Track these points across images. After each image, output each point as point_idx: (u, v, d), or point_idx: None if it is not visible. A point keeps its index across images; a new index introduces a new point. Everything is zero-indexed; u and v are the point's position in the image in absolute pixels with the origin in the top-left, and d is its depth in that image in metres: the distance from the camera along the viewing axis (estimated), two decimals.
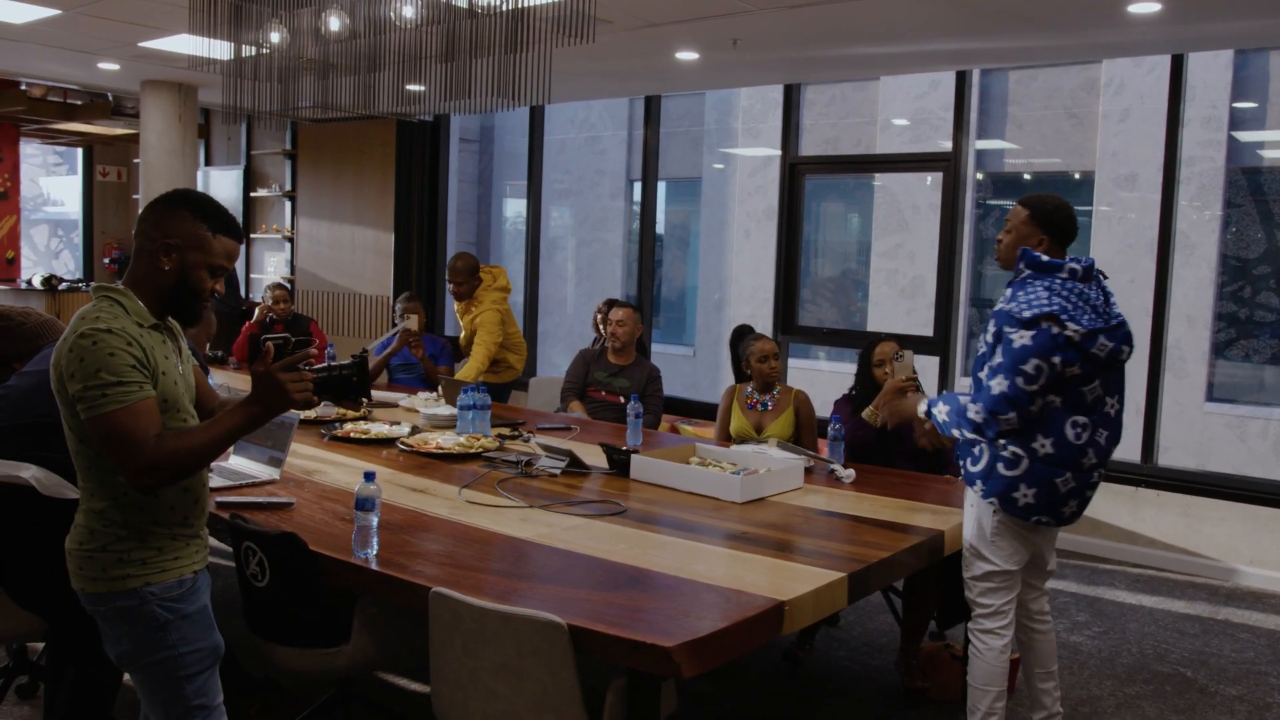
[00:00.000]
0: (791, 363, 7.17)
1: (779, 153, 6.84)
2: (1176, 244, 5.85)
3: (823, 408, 4.45)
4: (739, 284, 11.29)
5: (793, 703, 3.67)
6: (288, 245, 9.06)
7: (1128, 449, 6.30)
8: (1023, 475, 2.89)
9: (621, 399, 4.96)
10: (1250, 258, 8.60)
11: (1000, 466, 2.92)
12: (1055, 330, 2.80)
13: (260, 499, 3.08)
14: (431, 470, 3.65)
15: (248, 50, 4.65)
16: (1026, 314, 2.83)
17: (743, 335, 4.66)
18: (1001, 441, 2.90)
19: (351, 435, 4.11)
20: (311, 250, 8.85)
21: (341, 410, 4.55)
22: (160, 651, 2.09)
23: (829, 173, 9.03)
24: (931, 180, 8.94)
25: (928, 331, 6.33)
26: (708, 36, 5.24)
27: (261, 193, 9.19)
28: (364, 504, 2.59)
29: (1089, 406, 2.90)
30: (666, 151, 11.30)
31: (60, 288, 9.53)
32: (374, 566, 2.55)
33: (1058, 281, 2.89)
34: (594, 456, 3.80)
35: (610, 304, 5.59)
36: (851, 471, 3.70)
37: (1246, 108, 8.58)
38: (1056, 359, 2.80)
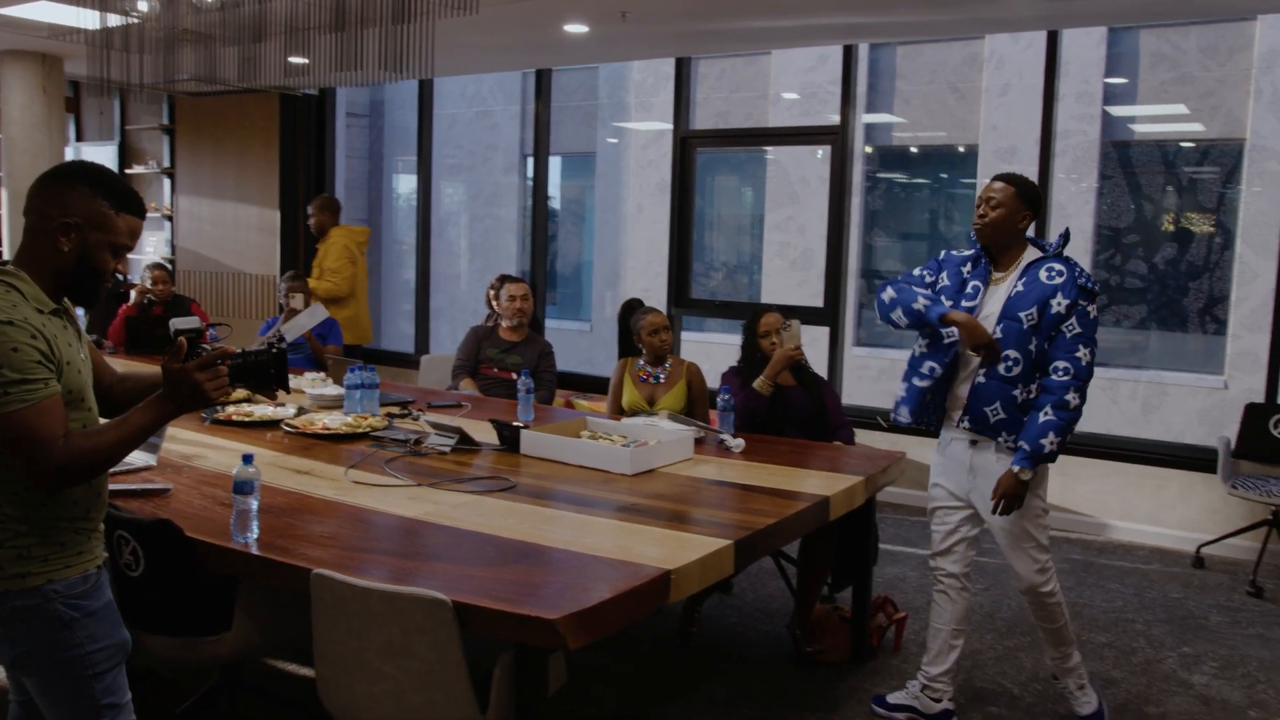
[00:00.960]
0: (685, 335, 7.23)
1: (671, 127, 6.85)
2: (1053, 214, 6.07)
3: (717, 380, 4.49)
4: (634, 258, 11.32)
5: (686, 670, 3.73)
6: (167, 224, 8.73)
7: None
8: None
9: (514, 375, 4.93)
10: (1121, 227, 8.98)
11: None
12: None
13: (135, 486, 2.97)
14: (317, 451, 3.57)
15: (115, 19, 4.44)
16: (1095, 288, 3.07)
17: (632, 309, 4.68)
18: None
19: (234, 418, 4.00)
20: (192, 229, 8.54)
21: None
22: (66, 651, 1.98)
23: (720, 146, 9.10)
24: (822, 153, 9.08)
25: (818, 303, 6.44)
26: (596, 8, 5.21)
27: (138, 169, 8.82)
28: (242, 487, 2.52)
29: None
30: (561, 126, 11.23)
31: None
32: (254, 551, 2.48)
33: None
34: (485, 433, 3.78)
35: (503, 280, 5.53)
36: (741, 441, 3.76)
37: (1118, 83, 8.92)
38: None
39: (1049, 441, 3.00)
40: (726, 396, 3.99)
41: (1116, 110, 8.99)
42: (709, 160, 10.89)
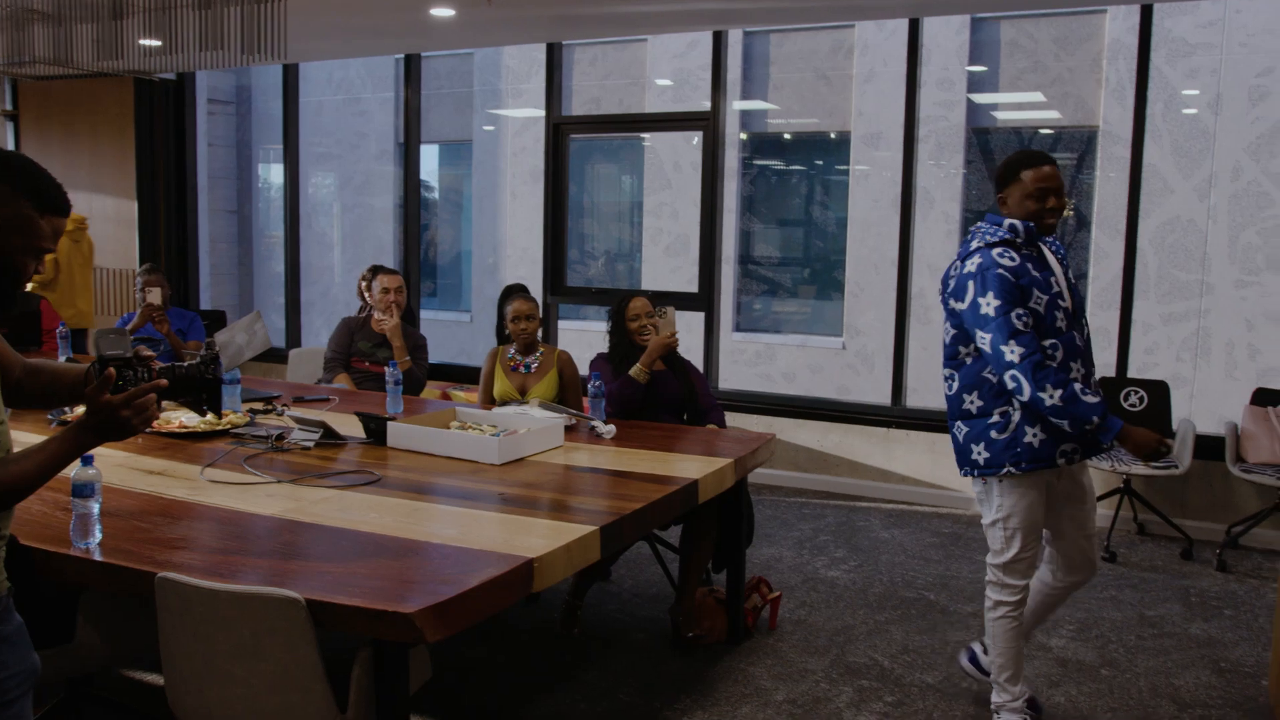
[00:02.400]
0: (563, 324, 7.19)
1: (543, 113, 6.79)
2: (920, 198, 6.23)
3: (587, 367, 4.47)
4: (512, 246, 11.22)
5: (565, 659, 3.71)
6: None
7: (880, 393, 6.72)
8: None
9: (387, 369, 4.81)
10: (985, 210, 9.27)
11: None
12: None
13: None
14: (173, 451, 3.42)
15: None
16: None
17: (511, 294, 4.60)
18: None
19: None
20: None
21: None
22: None
23: (592, 132, 9.07)
24: (696, 140, 9.14)
25: (693, 288, 6.48)
26: None
27: None
28: (81, 490, 2.39)
29: None
30: (436, 113, 11.04)
31: None
32: (96, 557, 2.36)
33: None
34: (351, 427, 3.68)
35: (375, 271, 5.38)
36: (612, 427, 3.75)
37: (979, 71, 9.22)
38: None
39: None
40: (597, 383, 3.97)
41: (978, 97, 9.29)
42: (587, 147, 10.86)
